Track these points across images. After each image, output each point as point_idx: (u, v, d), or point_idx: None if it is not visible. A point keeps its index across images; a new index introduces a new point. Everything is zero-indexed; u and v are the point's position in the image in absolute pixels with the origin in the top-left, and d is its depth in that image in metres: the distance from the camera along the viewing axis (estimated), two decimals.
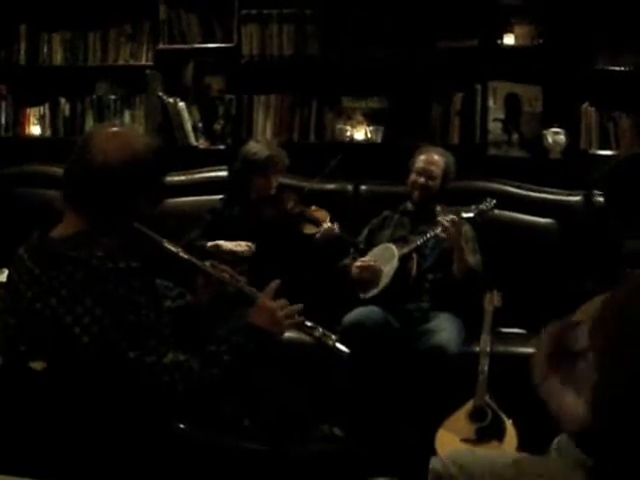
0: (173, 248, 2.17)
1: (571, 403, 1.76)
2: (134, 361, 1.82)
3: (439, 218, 3.64)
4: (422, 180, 3.86)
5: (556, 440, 2.18)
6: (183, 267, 2.23)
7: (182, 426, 1.99)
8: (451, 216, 3.62)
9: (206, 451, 2.00)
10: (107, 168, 1.92)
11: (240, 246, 3.82)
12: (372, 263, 3.74)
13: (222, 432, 2.02)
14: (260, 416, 2.10)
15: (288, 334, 2.11)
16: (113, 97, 4.99)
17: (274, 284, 2.10)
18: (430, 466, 2.00)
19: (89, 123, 4.97)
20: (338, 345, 2.09)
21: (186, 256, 2.18)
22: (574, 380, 1.81)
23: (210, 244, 3.82)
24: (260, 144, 4.04)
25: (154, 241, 2.13)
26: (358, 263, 3.76)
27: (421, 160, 3.88)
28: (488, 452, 2.86)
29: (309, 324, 2.10)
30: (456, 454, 2.28)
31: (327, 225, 3.88)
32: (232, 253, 3.79)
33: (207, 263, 2.24)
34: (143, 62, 4.92)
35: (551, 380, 1.85)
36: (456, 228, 3.59)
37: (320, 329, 2.10)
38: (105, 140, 1.97)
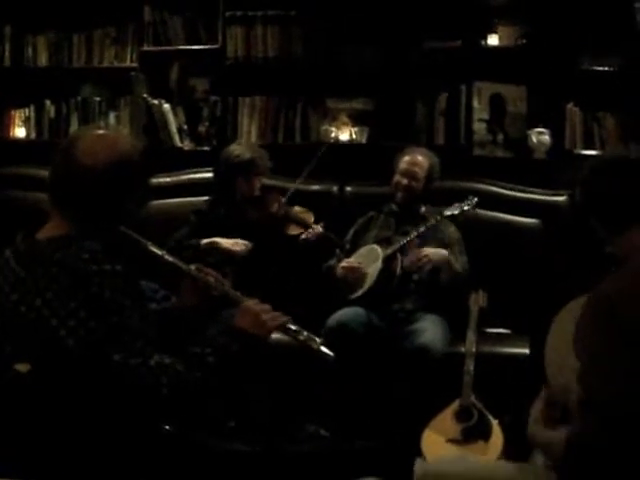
0: (158, 251, 2.16)
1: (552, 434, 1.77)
2: (119, 363, 1.82)
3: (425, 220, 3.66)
4: (405, 181, 3.86)
5: None
6: (168, 270, 2.23)
7: (168, 428, 1.98)
8: (417, 254, 3.63)
9: (193, 453, 2.00)
10: (94, 171, 1.92)
11: (237, 245, 3.83)
12: (357, 264, 3.74)
13: (208, 433, 2.02)
14: (246, 417, 2.10)
15: (272, 336, 2.11)
16: (98, 99, 4.97)
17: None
18: (415, 469, 2.01)
19: (74, 125, 4.95)
20: (323, 348, 2.08)
21: (171, 259, 2.18)
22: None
23: (206, 241, 3.81)
24: (241, 146, 4.05)
25: (139, 243, 2.13)
26: (343, 264, 3.77)
27: (404, 161, 3.88)
28: (470, 460, 2.86)
29: (294, 327, 2.09)
30: (439, 464, 2.30)
31: (312, 229, 3.87)
32: (229, 252, 3.79)
33: (192, 267, 2.24)
34: (128, 64, 4.90)
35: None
36: (426, 260, 3.61)
37: (305, 332, 2.10)
38: (91, 143, 1.96)
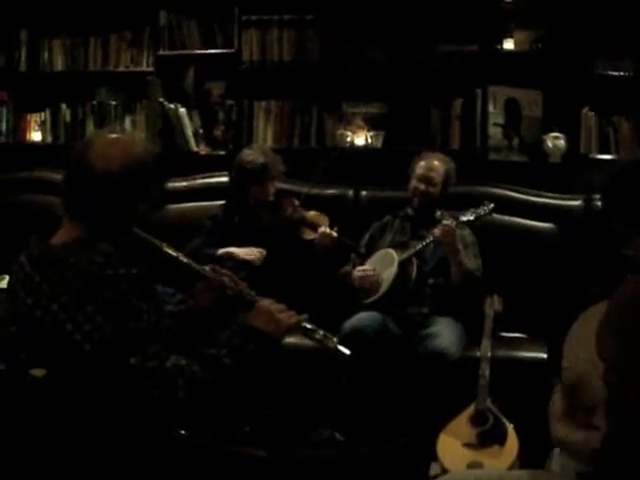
0: (173, 252, 2.17)
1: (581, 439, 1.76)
2: (136, 367, 1.82)
3: (439, 226, 3.65)
4: (422, 187, 3.86)
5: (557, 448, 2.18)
6: (183, 272, 2.23)
7: (183, 432, 1.98)
8: (447, 221, 3.63)
9: (207, 457, 2.00)
10: (107, 174, 1.92)
11: (252, 254, 3.82)
12: (372, 272, 3.74)
13: (223, 438, 2.01)
14: (261, 422, 2.10)
15: (289, 339, 2.11)
16: (114, 103, 4.99)
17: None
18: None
19: (90, 129, 4.96)
20: (339, 347, 2.08)
21: (185, 260, 2.18)
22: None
23: (221, 251, 3.81)
24: (254, 151, 4.02)
25: (154, 246, 2.13)
26: (358, 273, 3.76)
27: (421, 166, 3.88)
28: (486, 472, 2.85)
29: (309, 326, 2.09)
30: (454, 476, 2.28)
31: (323, 229, 3.87)
32: (244, 261, 3.79)
33: (207, 267, 2.24)
34: (144, 68, 4.92)
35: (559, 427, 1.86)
36: (450, 233, 3.60)
37: (321, 331, 2.10)
38: (105, 146, 1.97)
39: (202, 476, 1.97)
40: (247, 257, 3.80)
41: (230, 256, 3.78)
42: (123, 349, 1.81)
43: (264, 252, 3.83)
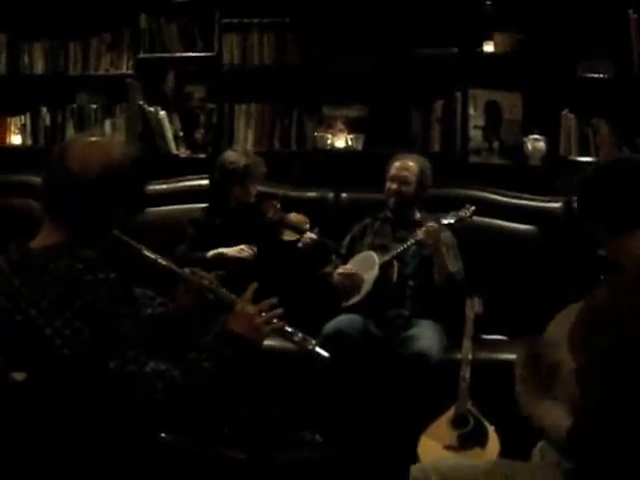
0: (152, 255, 2.16)
1: (555, 415, 1.77)
2: (114, 371, 1.82)
3: (423, 228, 3.66)
4: (395, 186, 3.87)
5: (538, 446, 2.19)
6: (163, 275, 2.23)
7: (163, 435, 1.98)
8: (431, 223, 3.64)
9: (188, 460, 1.99)
10: (85, 178, 1.91)
11: (244, 251, 3.82)
12: (353, 271, 3.75)
13: (203, 440, 2.01)
14: (240, 424, 2.09)
15: (268, 341, 2.10)
16: (94, 106, 4.97)
17: (252, 287, 2.09)
18: (410, 475, 2.00)
19: (70, 132, 4.95)
20: (318, 349, 2.08)
21: (165, 262, 2.18)
22: (553, 394, 1.83)
23: (212, 253, 3.80)
24: (237, 153, 4.02)
25: (133, 249, 2.12)
26: (339, 270, 3.77)
27: (394, 167, 3.90)
28: (469, 460, 2.87)
29: (289, 329, 2.09)
30: (437, 462, 2.29)
31: (304, 232, 3.87)
32: (238, 260, 3.78)
33: (186, 270, 2.24)
34: (124, 71, 4.91)
35: (532, 397, 1.87)
36: (436, 235, 3.61)
37: (300, 334, 2.10)
38: (82, 150, 1.96)
39: (182, 478, 1.96)
40: (239, 255, 3.79)
41: (222, 257, 3.77)
42: (102, 354, 1.81)
43: (255, 248, 3.82)
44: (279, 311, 2.07)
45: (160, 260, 2.18)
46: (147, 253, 2.16)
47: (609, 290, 1.78)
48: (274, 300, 2.08)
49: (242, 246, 3.83)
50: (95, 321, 1.82)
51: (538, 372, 1.91)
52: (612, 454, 1.66)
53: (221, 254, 3.79)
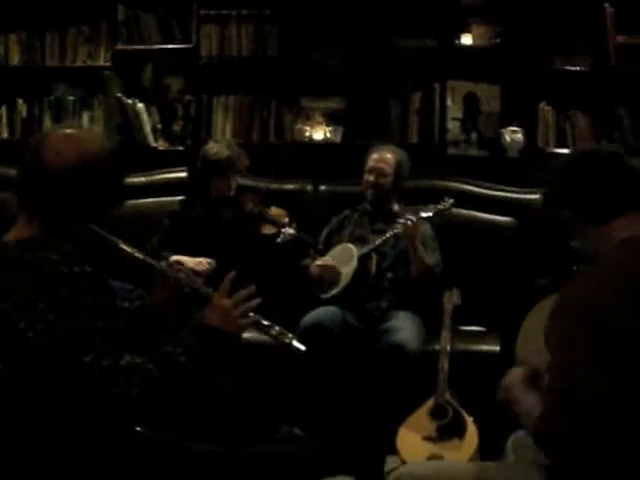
0: (128, 249, 2.15)
1: (533, 403, 1.79)
2: (89, 365, 1.80)
3: (399, 220, 3.67)
4: (372, 178, 3.88)
5: (511, 438, 2.21)
6: (141, 268, 2.22)
7: (139, 429, 1.97)
8: (409, 216, 3.65)
9: (163, 453, 1.99)
10: (60, 170, 1.90)
11: (202, 264, 3.73)
12: (331, 263, 3.75)
13: (179, 434, 2.01)
14: (217, 417, 2.09)
15: (245, 334, 2.10)
16: (71, 98, 4.93)
17: (228, 279, 2.08)
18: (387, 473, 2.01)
19: (47, 124, 4.91)
20: (295, 343, 2.08)
21: (141, 256, 2.17)
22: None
23: (173, 258, 3.78)
24: (220, 144, 4.03)
25: (110, 242, 2.11)
26: (318, 263, 3.77)
27: (372, 159, 3.91)
28: (446, 462, 2.88)
29: (265, 322, 2.09)
30: (413, 467, 2.30)
31: (282, 225, 3.87)
32: (193, 272, 3.73)
33: (163, 263, 2.23)
34: (101, 63, 4.87)
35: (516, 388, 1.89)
36: (413, 228, 3.62)
37: (277, 327, 2.10)
38: (58, 142, 1.94)
39: (158, 472, 1.96)
40: (196, 268, 3.71)
41: (179, 264, 3.73)
42: (76, 347, 1.80)
43: (213, 263, 3.75)
44: (255, 302, 2.07)
45: (137, 254, 2.17)
46: (123, 246, 2.15)
47: (584, 279, 1.79)
48: (252, 288, 2.07)
49: (201, 259, 3.75)
50: (70, 314, 1.80)
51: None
52: (581, 443, 1.68)
53: (179, 262, 3.75)
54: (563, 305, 1.77)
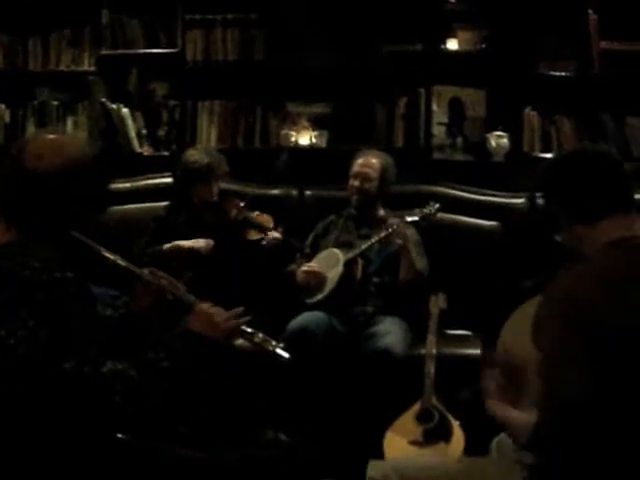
0: (111, 256, 2.14)
1: (516, 416, 1.78)
2: (71, 372, 1.79)
3: (388, 222, 3.67)
4: (357, 183, 3.88)
5: (495, 440, 2.21)
6: (124, 275, 2.21)
7: (121, 436, 1.96)
8: (395, 220, 3.65)
9: (146, 460, 1.98)
10: (41, 175, 1.89)
11: (199, 243, 3.80)
12: (317, 269, 3.74)
13: (163, 440, 2.00)
14: (201, 422, 2.09)
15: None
16: (55, 103, 4.90)
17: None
18: (369, 473, 2.00)
19: (31, 130, 4.86)
20: (278, 350, 2.08)
21: (124, 263, 2.16)
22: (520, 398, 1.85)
23: (168, 245, 3.79)
24: (199, 151, 4.02)
25: (92, 249, 2.10)
26: (303, 268, 3.76)
27: (357, 164, 3.91)
28: (429, 459, 2.88)
29: (249, 330, 2.09)
30: (396, 461, 2.30)
31: (267, 231, 3.87)
32: (192, 250, 3.76)
33: (145, 271, 2.22)
34: (85, 68, 4.85)
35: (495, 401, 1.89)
36: (401, 233, 3.62)
37: (260, 334, 2.10)
38: (39, 146, 1.93)
39: (140, 478, 1.95)
40: (194, 245, 3.77)
41: (177, 249, 3.75)
42: (57, 354, 1.78)
43: (211, 242, 3.81)
44: (239, 309, 2.06)
45: (119, 261, 2.16)
46: (106, 254, 2.14)
47: (573, 279, 1.80)
48: (240, 309, 2.07)
49: (199, 239, 3.82)
50: (50, 321, 1.79)
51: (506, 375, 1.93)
52: (569, 444, 1.68)
53: (176, 246, 3.78)
54: (550, 306, 1.77)
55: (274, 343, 2.09)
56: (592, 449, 1.66)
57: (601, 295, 1.70)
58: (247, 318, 2.08)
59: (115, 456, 1.93)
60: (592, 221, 1.85)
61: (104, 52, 4.78)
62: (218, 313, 2.03)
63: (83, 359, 1.81)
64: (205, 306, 2.05)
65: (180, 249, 3.78)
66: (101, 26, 4.77)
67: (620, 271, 1.76)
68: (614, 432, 1.65)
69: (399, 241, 3.63)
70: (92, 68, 4.83)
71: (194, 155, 3.96)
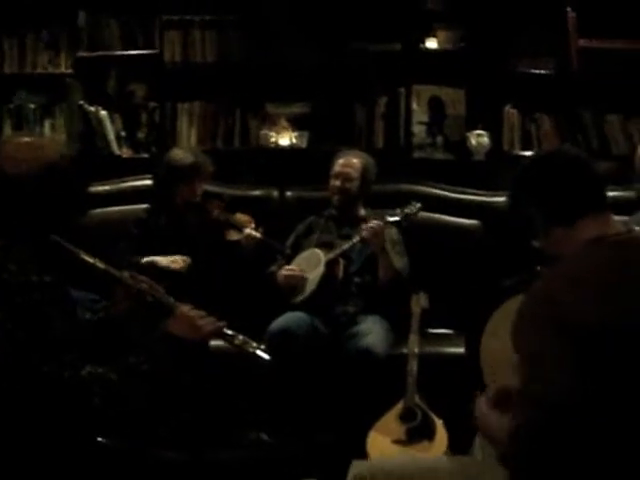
0: (90, 259, 2.13)
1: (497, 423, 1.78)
2: (49, 375, 1.78)
3: (363, 226, 3.67)
4: (338, 183, 3.88)
5: (479, 437, 2.21)
6: (103, 278, 2.20)
7: (101, 439, 1.95)
8: (375, 222, 3.65)
9: (126, 462, 1.97)
10: (18, 179, 1.88)
11: (176, 262, 3.75)
12: (298, 271, 3.74)
13: (143, 443, 1.99)
14: (182, 424, 2.09)
15: (212, 342, 2.09)
16: (32, 106, 4.83)
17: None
18: (353, 471, 2.00)
19: (7, 132, 4.79)
20: (259, 352, 2.08)
21: (103, 266, 2.15)
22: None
23: (145, 260, 3.76)
24: (184, 151, 4.03)
25: (71, 252, 2.09)
26: (284, 272, 3.75)
27: (338, 164, 3.91)
28: (413, 456, 2.89)
29: (229, 332, 2.09)
30: (380, 460, 2.30)
31: (248, 232, 3.85)
32: (168, 269, 3.73)
33: (125, 274, 2.21)
34: (63, 70, 4.79)
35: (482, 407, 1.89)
36: (379, 235, 3.62)
37: (240, 336, 2.10)
38: (16, 149, 1.93)
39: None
40: (171, 265, 3.73)
41: (153, 265, 3.71)
42: (35, 357, 1.78)
43: (188, 260, 3.77)
44: (223, 324, 2.06)
45: (99, 264, 2.15)
46: (85, 257, 2.13)
47: (552, 280, 1.80)
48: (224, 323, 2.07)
49: (176, 257, 3.77)
50: (28, 324, 1.79)
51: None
52: (549, 445, 1.67)
53: (153, 262, 3.74)
54: (531, 307, 1.77)
55: (254, 345, 2.10)
56: (577, 450, 1.66)
57: (583, 295, 1.70)
58: (223, 323, 2.07)
59: (96, 459, 1.92)
60: (569, 221, 1.85)
61: (81, 54, 4.73)
62: (199, 316, 2.03)
63: (62, 362, 1.80)
64: (185, 309, 2.05)
65: (156, 266, 3.73)
66: (78, 28, 4.72)
67: (601, 270, 1.76)
68: (597, 432, 1.65)
69: (374, 241, 3.62)
70: (69, 70, 4.77)
71: (179, 154, 3.95)
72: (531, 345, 1.72)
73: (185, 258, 3.78)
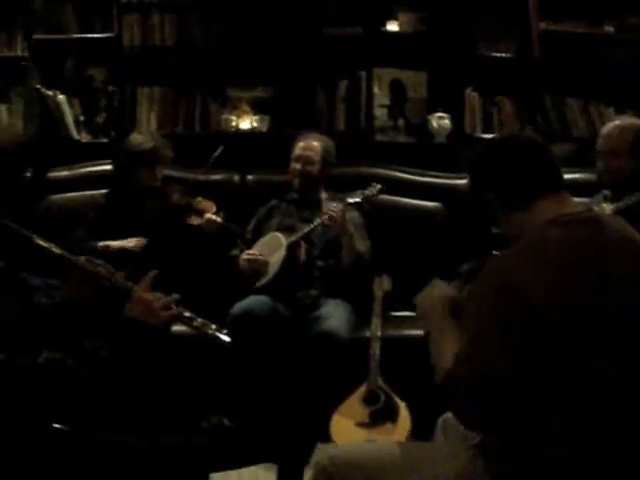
0: (44, 244, 2.10)
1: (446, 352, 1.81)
2: (5, 362, 1.76)
3: (325, 209, 3.66)
4: (299, 166, 3.87)
5: (441, 419, 2.22)
6: (59, 263, 2.17)
7: (58, 426, 1.92)
8: (335, 204, 3.65)
9: (85, 450, 1.95)
10: None
11: (130, 242, 3.75)
12: (259, 256, 3.72)
13: (101, 429, 1.97)
14: (143, 410, 2.06)
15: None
16: None
17: (150, 275, 2.06)
18: (314, 458, 2.00)
19: None
20: (218, 334, 2.07)
21: (58, 251, 2.12)
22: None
23: (100, 244, 3.72)
24: (143, 135, 4.01)
25: (24, 237, 2.06)
26: (245, 256, 3.74)
27: (298, 147, 3.90)
28: (375, 443, 2.91)
29: (187, 314, 2.08)
30: (342, 448, 2.31)
31: (208, 216, 3.83)
32: (123, 250, 3.70)
33: (82, 258, 2.18)
34: (19, 53, 4.70)
35: (436, 329, 1.91)
36: (340, 217, 3.61)
37: (199, 319, 2.09)
38: None
39: (79, 469, 1.92)
40: (125, 245, 3.71)
41: (107, 250, 3.67)
42: None
43: (143, 240, 3.76)
44: (175, 297, 2.05)
45: (53, 249, 2.12)
46: (39, 241, 2.10)
47: (505, 256, 1.83)
48: (176, 296, 2.05)
49: (130, 239, 3.76)
50: None
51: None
52: (490, 416, 1.72)
53: (107, 247, 3.71)
54: (485, 280, 1.79)
55: (214, 327, 2.09)
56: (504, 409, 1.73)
57: (534, 272, 1.73)
58: (176, 297, 2.05)
59: (52, 445, 1.90)
60: (526, 204, 1.87)
61: (38, 37, 4.64)
62: (157, 299, 2.01)
63: (17, 349, 1.77)
64: (143, 292, 2.03)
65: (110, 249, 3.70)
66: (33, 11, 4.64)
67: (554, 248, 1.78)
68: (529, 406, 1.71)
69: (334, 224, 3.62)
70: (25, 54, 4.68)
71: (138, 139, 3.94)
72: (479, 317, 1.75)
73: (140, 239, 3.76)
